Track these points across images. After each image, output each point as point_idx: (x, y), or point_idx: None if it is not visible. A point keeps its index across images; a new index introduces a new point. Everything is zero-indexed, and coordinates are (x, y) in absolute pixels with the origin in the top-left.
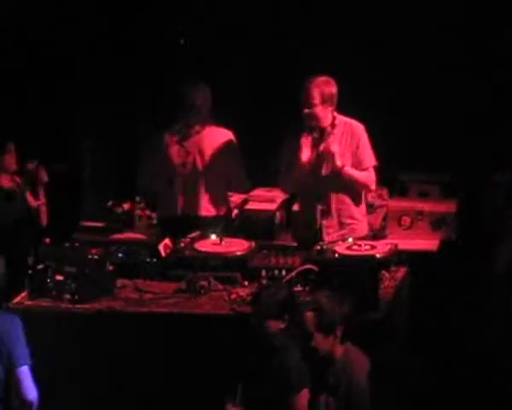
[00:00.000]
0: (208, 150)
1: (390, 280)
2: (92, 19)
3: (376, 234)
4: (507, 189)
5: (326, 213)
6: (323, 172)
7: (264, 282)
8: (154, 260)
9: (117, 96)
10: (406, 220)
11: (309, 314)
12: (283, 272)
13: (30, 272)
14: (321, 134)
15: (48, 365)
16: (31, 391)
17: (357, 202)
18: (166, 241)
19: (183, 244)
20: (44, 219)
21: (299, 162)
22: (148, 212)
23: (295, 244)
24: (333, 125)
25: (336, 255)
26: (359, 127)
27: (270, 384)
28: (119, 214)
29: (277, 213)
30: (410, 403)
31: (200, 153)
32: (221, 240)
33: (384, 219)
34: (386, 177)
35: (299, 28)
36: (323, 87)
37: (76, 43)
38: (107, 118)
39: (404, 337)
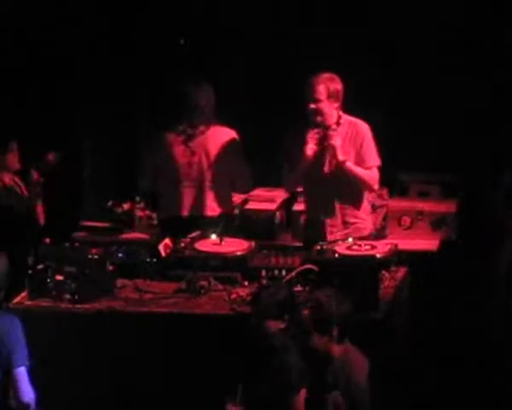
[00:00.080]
0: (214, 150)
1: (390, 280)
2: (92, 19)
3: (376, 234)
4: (507, 189)
5: (331, 212)
6: (327, 168)
7: (264, 282)
8: (154, 260)
9: (117, 96)
10: (406, 220)
11: (306, 312)
12: (283, 272)
13: (30, 272)
14: (325, 131)
15: (48, 365)
16: (27, 393)
17: (358, 202)
18: (166, 241)
19: (183, 244)
20: (42, 219)
21: (304, 156)
22: (148, 212)
23: (295, 244)
24: (338, 124)
25: (336, 255)
26: (364, 126)
27: (270, 384)
28: (119, 214)
29: (277, 213)
30: (410, 403)
31: (206, 153)
32: (221, 240)
33: (384, 219)
34: (386, 177)
35: (299, 28)
36: (329, 83)
37: (76, 43)
38: (107, 118)
39: (404, 337)
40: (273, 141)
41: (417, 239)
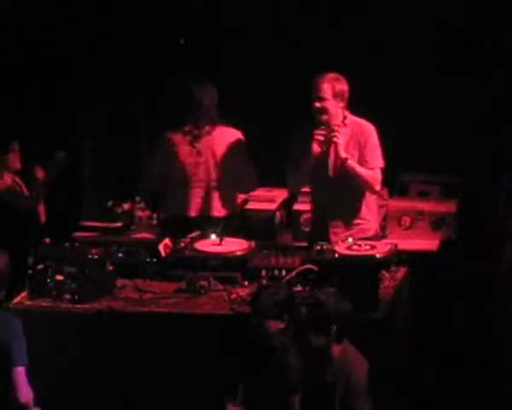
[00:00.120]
0: (220, 151)
1: (390, 280)
2: (92, 19)
3: (381, 235)
4: (508, 189)
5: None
6: (331, 166)
7: (264, 282)
8: (154, 260)
9: (117, 96)
10: (406, 220)
11: (304, 309)
12: (283, 272)
13: (30, 272)
14: (330, 129)
15: (48, 365)
16: (25, 392)
17: (361, 202)
18: (166, 241)
19: (183, 244)
20: (43, 217)
21: (309, 154)
22: (148, 212)
23: (296, 244)
24: (344, 124)
25: (336, 255)
26: (369, 127)
27: (270, 384)
28: (119, 214)
29: (277, 213)
30: (410, 403)
31: (213, 153)
32: (221, 240)
33: (384, 219)
34: (387, 177)
35: (299, 28)
36: (334, 83)
37: (76, 43)
38: (107, 118)
39: (404, 337)
40: (273, 141)
41: (417, 239)
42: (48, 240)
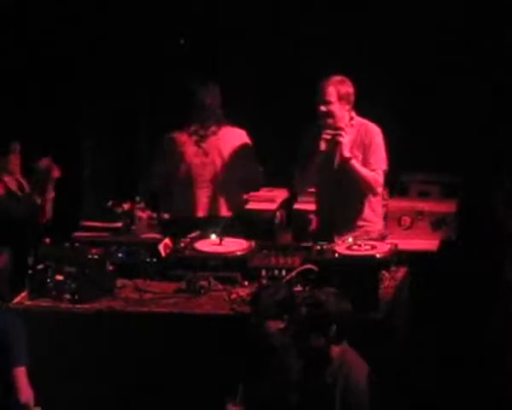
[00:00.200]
0: (227, 151)
1: (390, 280)
2: (92, 19)
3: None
4: (508, 189)
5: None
6: (336, 165)
7: (264, 282)
8: (154, 260)
9: (117, 96)
10: (406, 220)
11: (304, 309)
12: (283, 272)
13: (30, 272)
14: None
15: (48, 365)
16: (26, 392)
17: (362, 203)
18: (166, 241)
19: (183, 244)
20: (49, 214)
21: (317, 151)
22: (148, 212)
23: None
24: (350, 125)
25: (336, 255)
26: (374, 129)
27: (270, 384)
28: (119, 214)
29: (277, 213)
30: (410, 403)
31: (219, 153)
32: (221, 240)
33: (384, 219)
34: (387, 177)
35: (299, 28)
36: (339, 86)
37: (76, 43)
38: (107, 118)
39: (404, 337)
40: (273, 141)
41: (417, 239)
42: (48, 240)
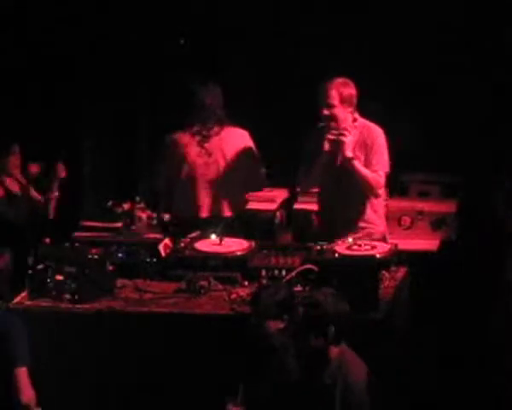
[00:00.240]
0: (230, 151)
1: (390, 280)
2: (92, 19)
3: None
4: (508, 189)
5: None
6: (339, 165)
7: (264, 282)
8: (154, 260)
9: (117, 96)
10: (406, 220)
11: (302, 310)
12: (283, 272)
13: (30, 272)
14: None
15: (48, 365)
16: (28, 393)
17: (364, 205)
18: (166, 241)
19: (183, 244)
20: (52, 213)
21: (321, 152)
22: (148, 212)
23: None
24: (354, 127)
25: (336, 255)
26: (377, 130)
27: (270, 384)
28: (119, 214)
29: (277, 213)
30: (410, 403)
31: (222, 154)
32: (221, 240)
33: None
34: (387, 177)
35: (299, 28)
36: (342, 88)
37: (76, 43)
38: (107, 118)
39: (404, 337)
40: (272, 141)
41: (417, 239)
42: (48, 240)
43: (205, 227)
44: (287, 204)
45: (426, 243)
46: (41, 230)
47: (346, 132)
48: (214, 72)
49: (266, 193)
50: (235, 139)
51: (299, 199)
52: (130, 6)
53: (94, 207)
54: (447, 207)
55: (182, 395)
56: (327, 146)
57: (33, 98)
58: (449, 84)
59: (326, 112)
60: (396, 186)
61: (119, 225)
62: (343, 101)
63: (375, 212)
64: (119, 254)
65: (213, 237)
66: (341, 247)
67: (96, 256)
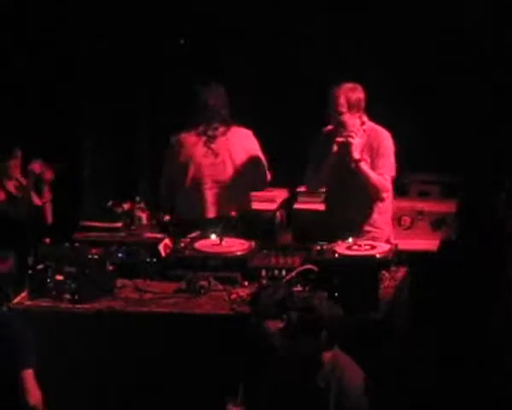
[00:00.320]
0: (236, 152)
1: (390, 280)
2: (92, 19)
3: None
4: (508, 190)
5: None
6: (347, 167)
7: (264, 282)
8: (154, 260)
9: (117, 96)
10: (406, 220)
11: (295, 313)
12: (283, 272)
13: (30, 272)
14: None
15: (48, 365)
16: (35, 395)
17: (371, 208)
18: (166, 241)
19: (183, 244)
20: (49, 217)
21: (330, 153)
22: (148, 212)
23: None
24: (363, 130)
25: (336, 255)
26: (384, 134)
27: (270, 384)
28: (119, 214)
29: (277, 213)
30: (410, 403)
31: (229, 154)
32: (221, 240)
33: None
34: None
35: (299, 28)
36: (350, 93)
37: (76, 43)
38: (107, 118)
39: (404, 337)
40: (272, 140)
41: (417, 239)
42: (48, 240)
43: (206, 227)
44: (287, 204)
45: (426, 243)
46: (41, 230)
47: (353, 134)
48: (214, 72)
49: (266, 193)
50: (241, 139)
51: (299, 199)
52: (130, 6)
53: (94, 208)
54: (447, 207)
55: (182, 395)
56: (335, 148)
57: (33, 98)
58: (449, 84)
59: (334, 119)
60: (396, 186)
61: (119, 225)
62: (351, 107)
63: (380, 214)
64: (119, 254)
65: (213, 237)
66: (341, 247)
67: (96, 256)
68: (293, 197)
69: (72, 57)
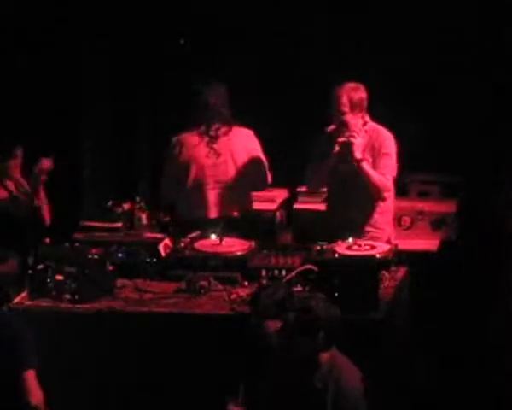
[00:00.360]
0: (238, 152)
1: (390, 280)
2: (92, 19)
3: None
4: (508, 190)
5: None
6: (348, 166)
7: (264, 282)
8: (154, 260)
9: (117, 96)
10: (406, 220)
11: (292, 314)
12: (283, 272)
13: (30, 272)
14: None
15: (48, 365)
16: (37, 395)
17: (372, 209)
18: (166, 241)
19: (183, 244)
20: (47, 218)
21: (331, 153)
22: (148, 212)
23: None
24: (365, 131)
25: (336, 255)
26: (386, 134)
27: (270, 384)
28: (119, 214)
29: (277, 213)
30: (410, 403)
31: (231, 154)
32: (221, 240)
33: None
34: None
35: (299, 28)
36: (353, 93)
37: (76, 43)
38: (107, 118)
39: (404, 337)
40: (272, 140)
41: (417, 239)
42: (48, 240)
43: (206, 227)
44: (287, 204)
45: (426, 242)
46: (41, 230)
47: (355, 134)
48: (214, 72)
49: (266, 193)
50: (243, 139)
51: (299, 199)
52: (130, 6)
53: (94, 208)
54: (447, 207)
55: (182, 395)
56: (337, 148)
57: (33, 98)
58: (449, 84)
59: (336, 119)
60: (396, 186)
61: (119, 225)
62: (353, 106)
63: (382, 216)
64: (119, 254)
65: (213, 237)
66: (341, 247)
67: (96, 256)
68: (293, 197)
69: (72, 57)
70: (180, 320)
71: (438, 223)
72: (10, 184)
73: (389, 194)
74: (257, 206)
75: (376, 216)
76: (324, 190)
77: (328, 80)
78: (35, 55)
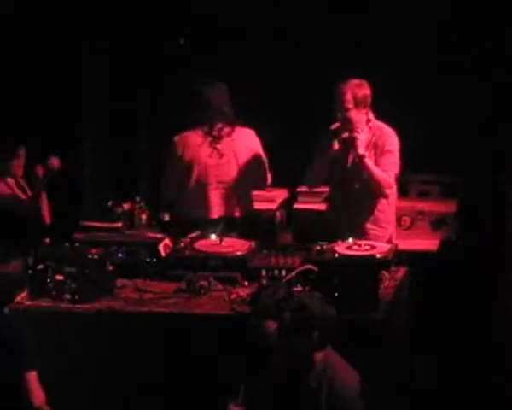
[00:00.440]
0: (241, 152)
1: (390, 280)
2: (92, 19)
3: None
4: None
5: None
6: (350, 163)
7: (264, 282)
8: (154, 260)
9: (117, 96)
10: (406, 220)
11: (288, 314)
12: (283, 272)
13: (30, 272)
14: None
15: (48, 365)
16: (38, 396)
17: (374, 206)
18: (166, 241)
19: (183, 244)
20: (47, 218)
21: (329, 150)
22: (148, 212)
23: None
24: (368, 127)
25: (336, 255)
26: (389, 132)
27: (270, 384)
28: (119, 214)
29: (277, 213)
30: (410, 403)
31: (234, 154)
32: (221, 240)
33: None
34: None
35: (299, 28)
36: (357, 90)
37: (76, 43)
38: (107, 118)
39: (404, 337)
40: (272, 140)
41: (417, 239)
42: (48, 240)
43: (207, 227)
44: (287, 204)
45: (426, 242)
46: (41, 230)
47: (359, 130)
48: (214, 72)
49: (266, 193)
50: (246, 140)
51: (299, 199)
52: (130, 6)
53: (94, 208)
54: (447, 207)
55: (182, 395)
56: (337, 146)
57: (33, 98)
58: (449, 84)
59: (340, 116)
60: (398, 184)
61: (119, 225)
62: (357, 103)
63: (384, 214)
64: (119, 254)
65: (213, 237)
66: (341, 247)
67: (96, 256)
68: (293, 197)
69: (72, 57)
70: (180, 320)
71: (438, 223)
72: (13, 184)
73: (391, 191)
74: (257, 206)
75: (378, 214)
76: (324, 189)
77: (328, 80)
78: (35, 55)
